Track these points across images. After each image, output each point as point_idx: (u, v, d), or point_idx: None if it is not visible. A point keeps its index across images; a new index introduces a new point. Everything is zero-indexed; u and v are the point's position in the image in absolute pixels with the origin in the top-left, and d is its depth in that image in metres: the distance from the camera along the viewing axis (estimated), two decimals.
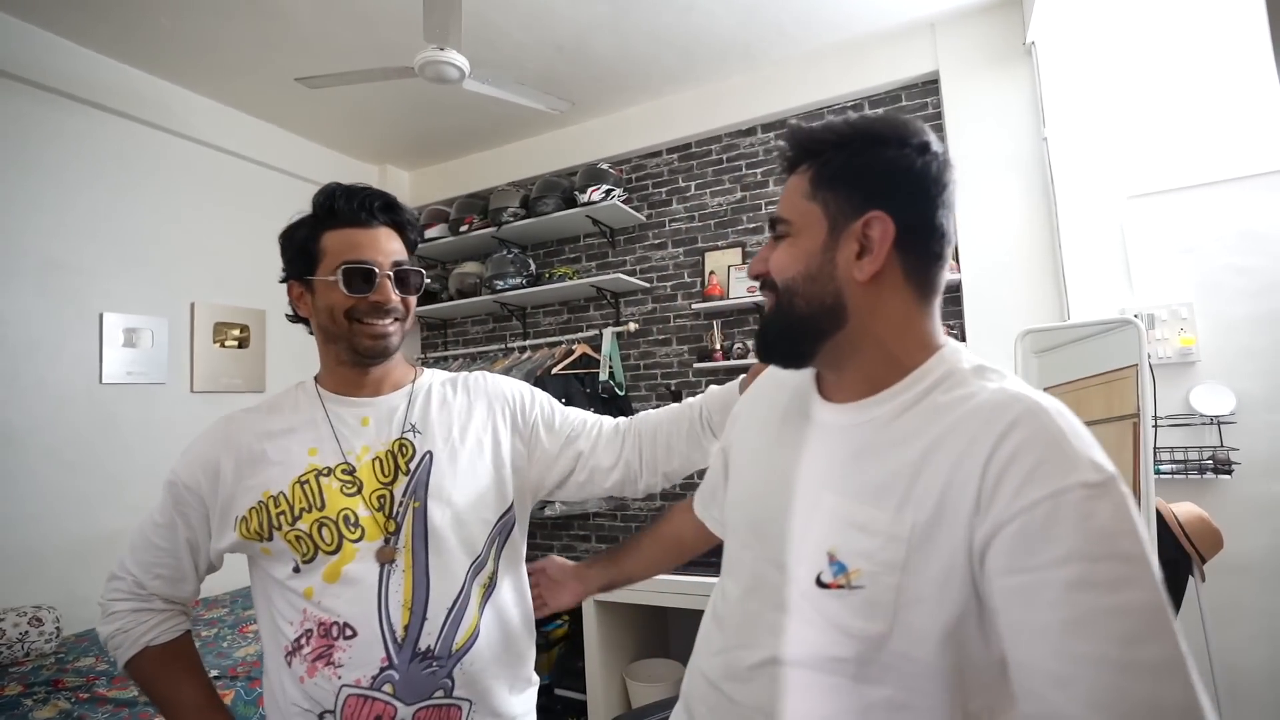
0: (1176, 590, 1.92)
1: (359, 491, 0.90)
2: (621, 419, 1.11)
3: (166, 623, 0.95)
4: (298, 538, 0.87)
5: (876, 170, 0.63)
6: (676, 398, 3.14)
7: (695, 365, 3.03)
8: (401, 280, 0.94)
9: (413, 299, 0.96)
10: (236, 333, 3.08)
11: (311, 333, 1.00)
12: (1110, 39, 2.35)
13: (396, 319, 0.94)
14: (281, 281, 0.97)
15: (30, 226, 2.42)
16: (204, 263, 2.97)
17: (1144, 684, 0.44)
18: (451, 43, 2.04)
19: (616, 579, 1.00)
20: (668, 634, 3.11)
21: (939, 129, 2.73)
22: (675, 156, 3.27)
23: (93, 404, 2.54)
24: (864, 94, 2.87)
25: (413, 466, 0.92)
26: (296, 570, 0.87)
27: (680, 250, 3.21)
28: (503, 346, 3.51)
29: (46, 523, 2.38)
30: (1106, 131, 2.33)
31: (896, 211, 0.61)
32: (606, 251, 3.39)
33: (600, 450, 1.05)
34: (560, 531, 3.39)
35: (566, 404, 3.07)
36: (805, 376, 0.74)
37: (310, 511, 0.87)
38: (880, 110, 2.85)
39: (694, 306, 3.04)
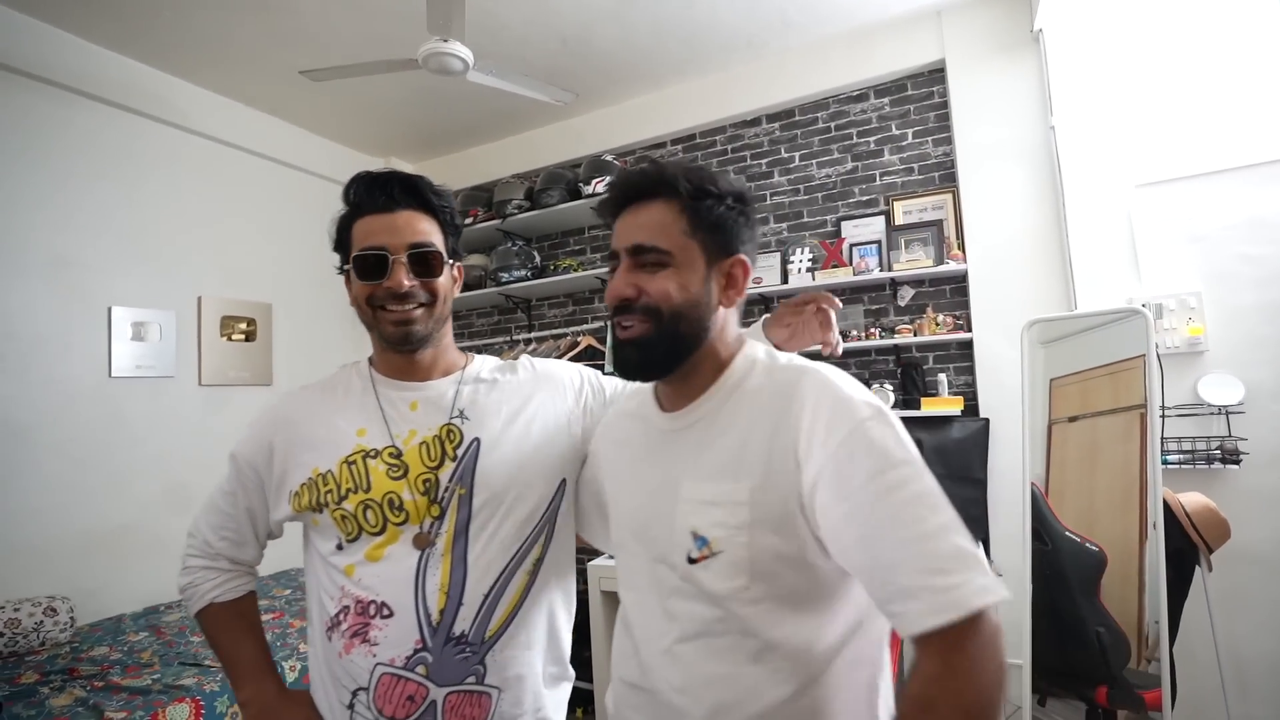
0: (1183, 580, 1.92)
1: (404, 475, 0.90)
2: None
3: (231, 582, 1.01)
4: (343, 517, 0.89)
5: (737, 223, 0.77)
6: None
7: None
8: (420, 263, 0.91)
9: (438, 281, 0.93)
10: (244, 326, 3.10)
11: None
12: (1118, 26, 2.33)
13: (420, 304, 0.92)
14: (339, 273, 0.98)
15: (38, 222, 2.44)
16: (211, 257, 2.99)
17: (947, 540, 0.60)
18: (455, 34, 2.03)
19: None
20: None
21: (945, 118, 2.71)
22: (680, 148, 3.26)
23: (101, 398, 2.56)
24: (869, 83, 2.85)
25: (460, 453, 0.92)
26: (340, 547, 0.89)
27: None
28: (508, 339, 3.52)
29: (57, 515, 2.41)
30: (1114, 120, 2.31)
31: (748, 255, 0.79)
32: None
33: None
34: None
35: None
36: (644, 400, 0.86)
37: (356, 492, 0.89)
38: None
39: None
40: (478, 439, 0.93)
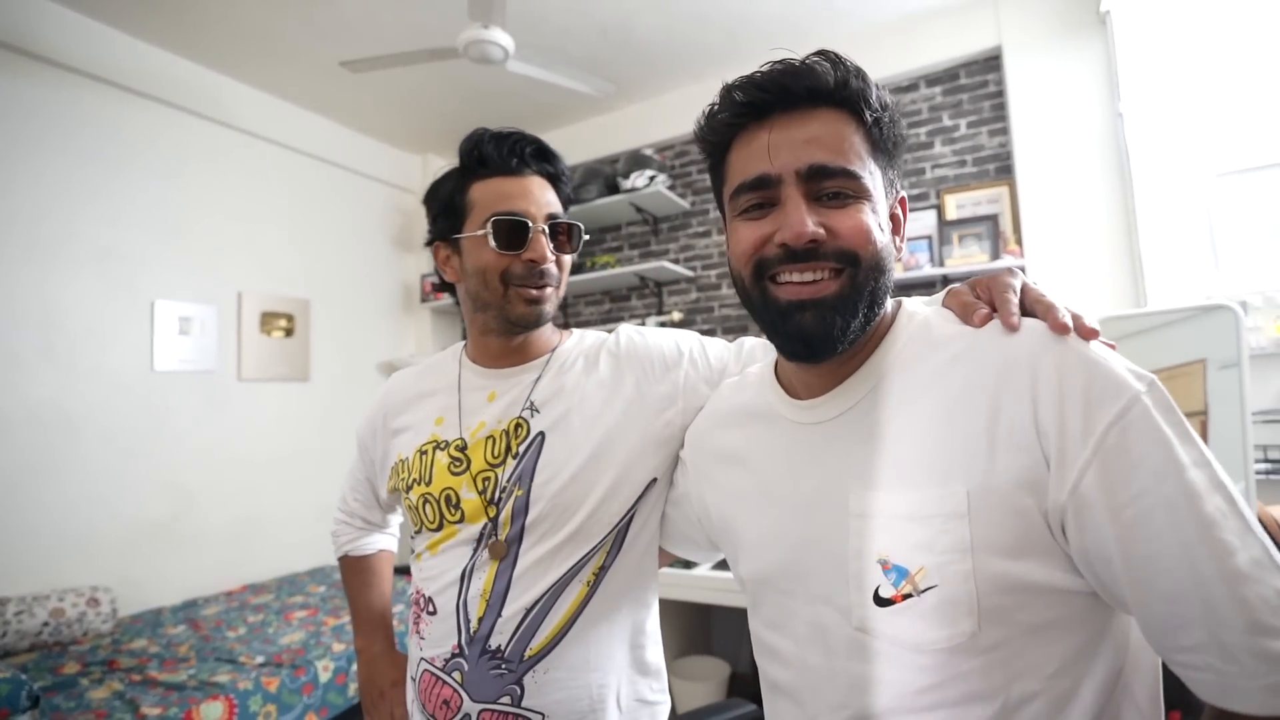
0: None
1: (465, 470, 0.83)
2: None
3: (363, 538, 1.06)
4: (410, 507, 0.87)
5: (901, 151, 0.60)
6: None
7: None
8: (556, 235, 0.83)
9: (568, 259, 0.86)
10: (283, 322, 3.11)
11: (457, 302, 0.93)
12: (1191, 5, 2.17)
13: (551, 284, 0.84)
14: (427, 244, 0.90)
15: (87, 216, 2.47)
16: (251, 252, 3.01)
17: (1269, 583, 0.43)
18: (495, 21, 1.99)
19: None
20: (710, 632, 3.03)
21: (1000, 107, 2.58)
22: None
23: (145, 391, 2.59)
24: (920, 72, 2.73)
25: (522, 450, 0.82)
26: (414, 534, 0.89)
27: (725, 238, 3.12)
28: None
29: (102, 506, 2.43)
30: (1190, 105, 2.15)
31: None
32: (649, 239, 3.33)
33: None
34: None
35: None
36: (760, 389, 0.67)
37: (420, 484, 0.85)
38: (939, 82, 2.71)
39: None
40: (542, 433, 0.82)
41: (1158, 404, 0.46)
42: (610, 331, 0.94)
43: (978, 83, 2.65)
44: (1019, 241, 2.47)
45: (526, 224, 0.81)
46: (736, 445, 0.68)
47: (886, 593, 0.52)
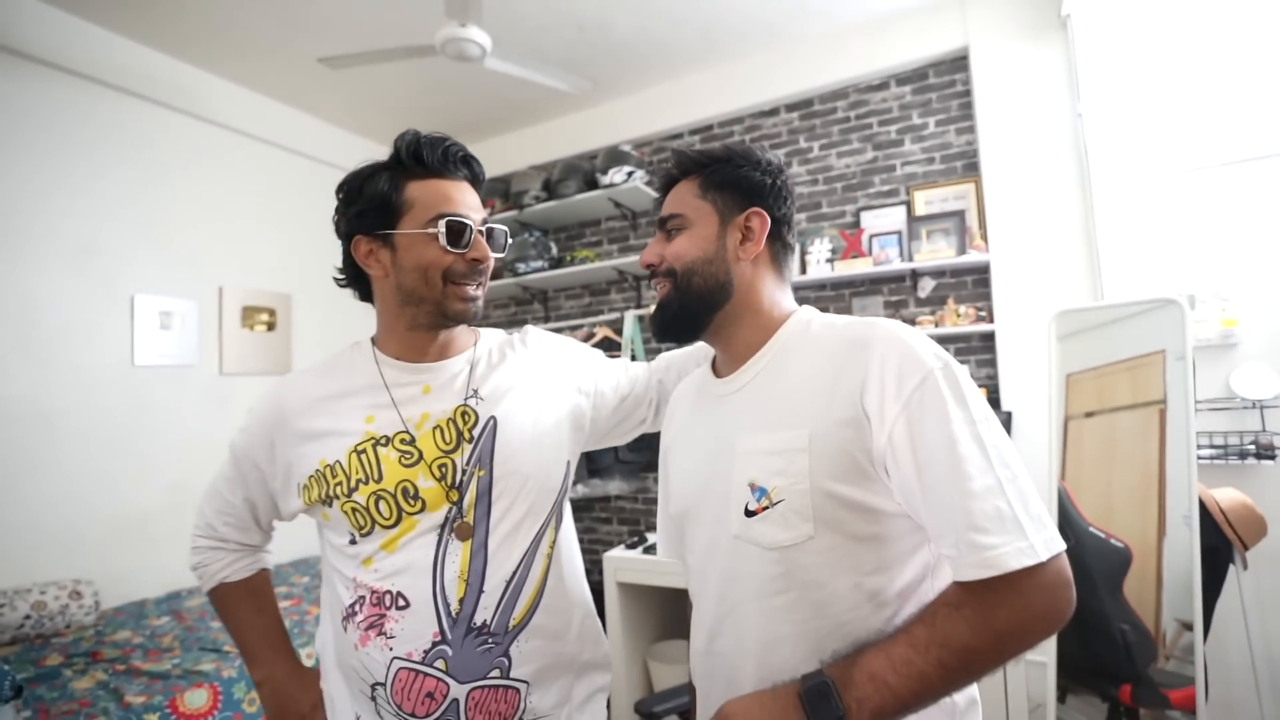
0: (1216, 578, 1.87)
1: (418, 461, 0.85)
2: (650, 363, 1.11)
3: (240, 562, 0.99)
4: (354, 509, 0.84)
5: (754, 180, 0.80)
6: None
7: None
8: (489, 238, 0.89)
9: (495, 262, 0.92)
10: (265, 317, 3.12)
11: (362, 297, 0.94)
12: (1149, 9, 2.26)
13: (482, 283, 0.90)
14: (346, 236, 0.89)
15: (65, 210, 2.47)
16: (231, 247, 3.01)
17: (990, 501, 0.61)
18: (472, 19, 2.02)
19: None
20: (687, 616, 3.10)
21: (967, 106, 2.66)
22: (697, 138, 3.23)
23: (125, 385, 2.60)
24: (890, 72, 2.80)
25: (476, 434, 0.87)
26: (353, 542, 0.85)
27: None
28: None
29: (83, 501, 2.45)
30: (1146, 106, 2.24)
31: (769, 209, 0.80)
32: (628, 234, 3.37)
33: (639, 390, 1.06)
34: (582, 514, 3.40)
35: None
36: (702, 374, 0.89)
37: (367, 483, 0.84)
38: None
39: None
40: (494, 418, 0.89)
41: (945, 377, 0.65)
42: (518, 331, 1.04)
43: (946, 82, 2.72)
44: (985, 237, 2.55)
45: (469, 225, 0.85)
46: (685, 410, 0.90)
47: (752, 507, 0.71)
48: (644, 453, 3.07)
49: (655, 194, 3.15)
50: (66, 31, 2.46)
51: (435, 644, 0.81)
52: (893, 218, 2.76)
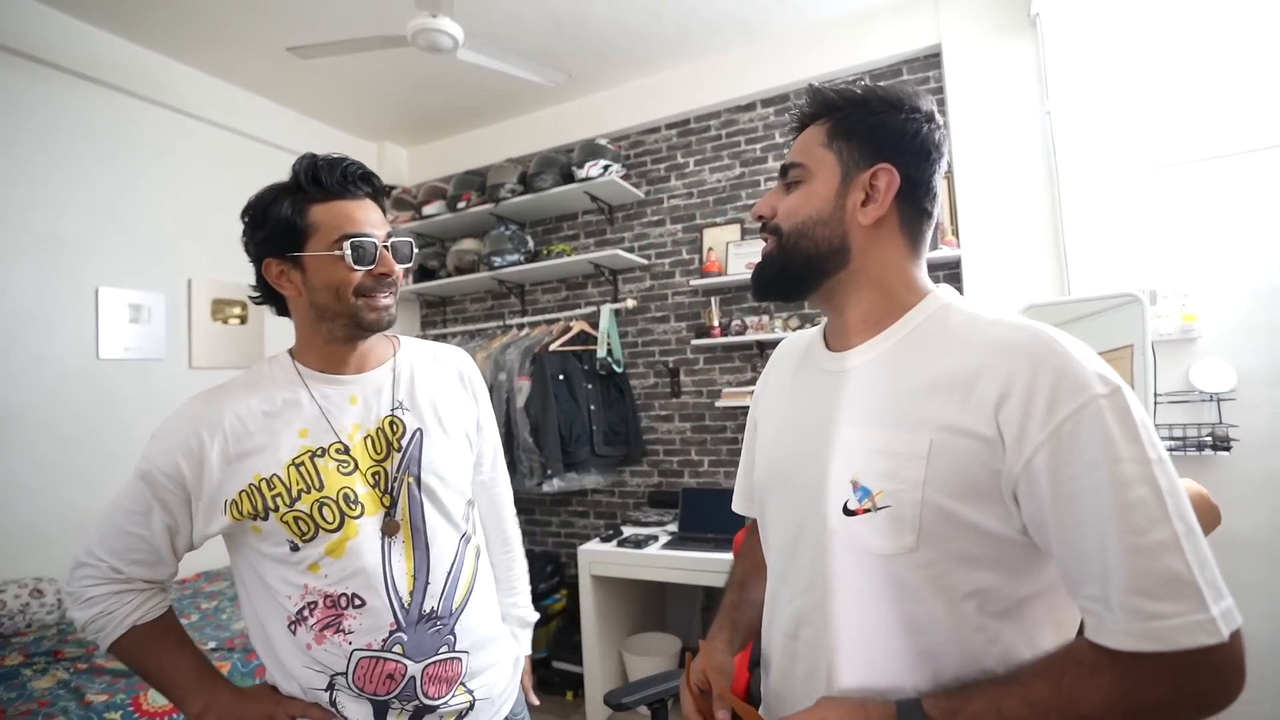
0: None
1: (355, 469, 0.91)
2: (503, 520, 1.21)
3: (149, 601, 0.92)
4: (296, 519, 0.87)
5: (888, 128, 0.70)
6: (675, 375, 3.14)
7: (693, 342, 3.01)
8: (395, 251, 0.94)
9: (404, 270, 0.96)
10: (237, 310, 3.07)
11: (279, 313, 0.99)
12: (1116, 10, 2.30)
13: (393, 291, 0.95)
14: (255, 260, 0.94)
15: (26, 202, 2.41)
16: (201, 239, 2.96)
17: (1164, 561, 0.52)
18: (444, 10, 2.01)
19: (739, 648, 0.92)
20: (665, 608, 3.13)
21: (941, 103, 2.68)
22: (674, 132, 3.23)
23: (90, 379, 2.54)
24: (865, 68, 2.82)
25: (404, 443, 0.95)
26: (295, 549, 0.88)
27: (679, 227, 3.19)
28: (501, 323, 3.50)
29: (45, 497, 2.40)
30: (1111, 104, 2.29)
31: (902, 167, 0.69)
32: (605, 228, 3.37)
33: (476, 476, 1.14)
34: (558, 507, 3.40)
35: (564, 380, 3.01)
36: (812, 337, 0.82)
37: (309, 492, 0.88)
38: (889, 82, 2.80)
39: (692, 283, 3.02)
40: (420, 429, 0.97)
41: (1114, 406, 0.56)
42: (441, 346, 1.12)
43: (919, 79, 2.75)
44: (955, 233, 2.58)
45: (375, 243, 0.90)
46: (787, 378, 0.84)
47: (853, 506, 0.66)
48: (620, 446, 3.07)
49: (632, 188, 3.17)
50: (28, 17, 2.39)
51: (392, 633, 0.89)
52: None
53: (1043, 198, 2.42)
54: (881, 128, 0.70)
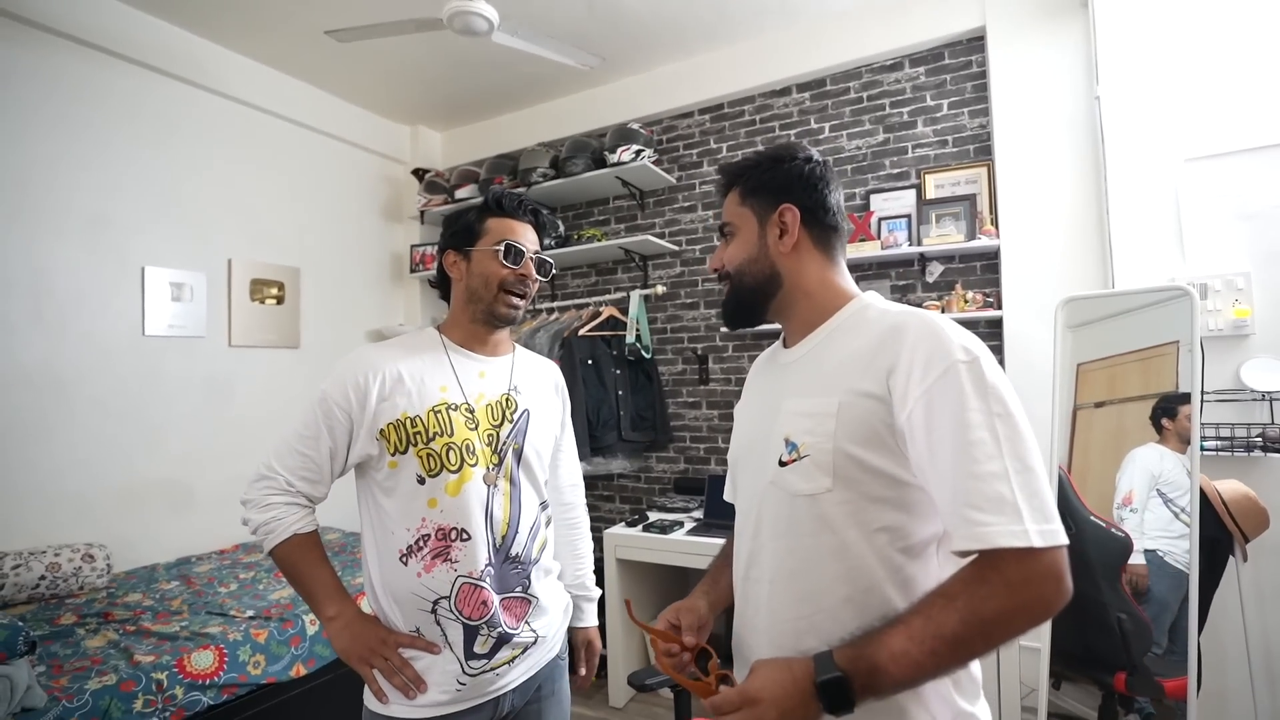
0: (1214, 569, 1.86)
1: (476, 428, 1.13)
2: (575, 503, 1.45)
3: (309, 517, 1.13)
4: (429, 455, 1.09)
5: (780, 178, 0.90)
6: (703, 362, 3.13)
7: (722, 330, 3.00)
8: (538, 265, 1.20)
9: (539, 282, 1.22)
10: (274, 290, 3.15)
11: (442, 296, 1.26)
12: None
13: (526, 295, 1.19)
14: (441, 250, 1.22)
15: (75, 182, 2.49)
16: (241, 220, 3.03)
17: (992, 485, 0.67)
18: None
19: (717, 604, 1.04)
20: (687, 593, 3.14)
21: (982, 89, 2.61)
22: (707, 117, 3.20)
23: (136, 355, 2.64)
24: (904, 51, 2.75)
25: (515, 418, 1.19)
26: (421, 481, 1.08)
27: (710, 213, 3.16)
28: (530, 308, 3.52)
29: (94, 467, 2.50)
30: (1164, 91, 2.19)
31: (798, 202, 0.88)
32: (635, 214, 3.36)
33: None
34: (585, 491, 3.42)
35: (593, 365, 3.04)
36: (777, 344, 0.99)
37: (441, 436, 1.09)
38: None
39: None
40: (528, 410, 1.21)
41: (970, 371, 0.71)
42: (545, 360, 1.37)
43: (961, 64, 2.67)
44: (995, 222, 2.51)
45: (524, 251, 1.17)
46: (757, 377, 1.03)
47: (784, 458, 0.82)
48: (647, 431, 3.08)
49: (663, 173, 3.15)
50: (76, 2, 2.46)
51: (485, 566, 1.10)
52: (902, 201, 2.73)
53: (1088, 186, 2.34)
54: (774, 179, 0.89)
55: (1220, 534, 1.82)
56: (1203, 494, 1.78)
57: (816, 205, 0.89)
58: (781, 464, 0.82)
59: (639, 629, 2.73)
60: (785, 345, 0.96)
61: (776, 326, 0.95)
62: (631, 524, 2.74)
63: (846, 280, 0.92)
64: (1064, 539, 0.65)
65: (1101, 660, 1.93)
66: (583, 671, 1.35)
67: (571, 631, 1.34)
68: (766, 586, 0.84)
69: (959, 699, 0.78)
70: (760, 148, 0.97)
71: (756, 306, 0.92)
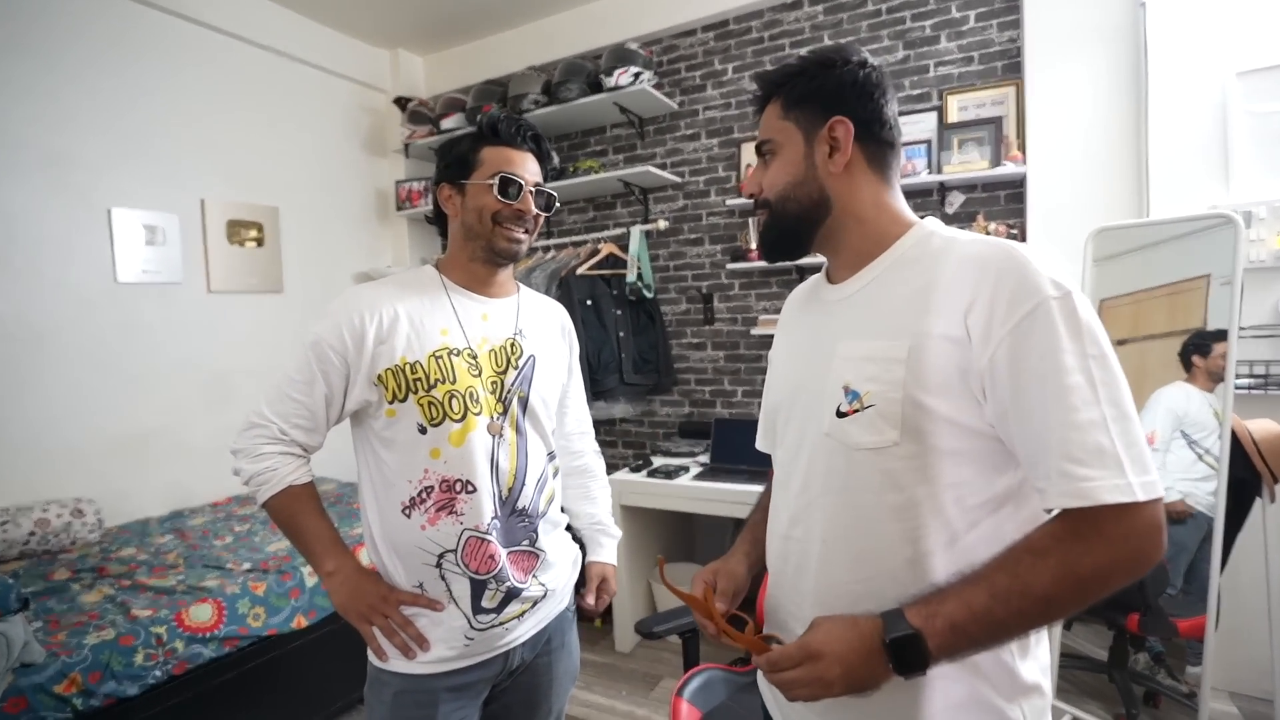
0: (1240, 509, 1.81)
1: (480, 375, 1.07)
2: (587, 451, 1.38)
3: (304, 467, 1.07)
4: (430, 403, 1.02)
5: (830, 86, 0.78)
6: (708, 301, 3.00)
7: (728, 266, 2.86)
8: (538, 197, 1.11)
9: (541, 216, 1.12)
10: (253, 232, 2.98)
11: (440, 233, 1.16)
12: None
13: (528, 230, 1.11)
14: (435, 184, 1.13)
15: (29, 115, 2.30)
16: (213, 156, 2.84)
17: (1092, 435, 0.61)
18: None
19: (756, 565, 0.96)
20: (694, 540, 3.13)
21: None
22: (711, 35, 2.95)
23: (111, 303, 2.51)
24: None
25: (520, 363, 1.12)
26: (423, 431, 1.02)
27: (715, 141, 2.96)
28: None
29: (79, 420, 2.41)
30: None
31: (852, 114, 0.77)
32: (635, 143, 3.16)
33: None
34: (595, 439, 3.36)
35: (592, 306, 2.93)
36: (818, 278, 0.90)
37: (444, 383, 1.03)
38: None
39: (728, 203, 2.84)
40: (533, 355, 1.14)
41: (1063, 308, 0.64)
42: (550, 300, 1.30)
43: None
44: (1022, 147, 2.34)
45: (522, 184, 1.07)
46: (796, 313, 0.94)
47: (844, 409, 0.73)
48: (650, 374, 2.99)
49: (664, 98, 2.93)
50: None
51: (491, 519, 1.05)
52: (922, 125, 2.54)
53: (1126, 106, 2.16)
54: (824, 88, 0.78)
55: (1248, 474, 1.76)
56: (1232, 434, 1.70)
57: (872, 117, 0.78)
58: (840, 414, 0.73)
59: (646, 578, 2.72)
60: (830, 280, 0.85)
61: (794, 263, 0.89)
62: (635, 469, 2.69)
63: (903, 205, 0.81)
64: (1162, 490, 0.61)
65: (1116, 601, 1.90)
66: (590, 600, 1.29)
67: (587, 565, 1.30)
68: (817, 546, 0.77)
69: (1019, 665, 0.72)
70: (794, 58, 0.82)
71: (802, 236, 0.81)
